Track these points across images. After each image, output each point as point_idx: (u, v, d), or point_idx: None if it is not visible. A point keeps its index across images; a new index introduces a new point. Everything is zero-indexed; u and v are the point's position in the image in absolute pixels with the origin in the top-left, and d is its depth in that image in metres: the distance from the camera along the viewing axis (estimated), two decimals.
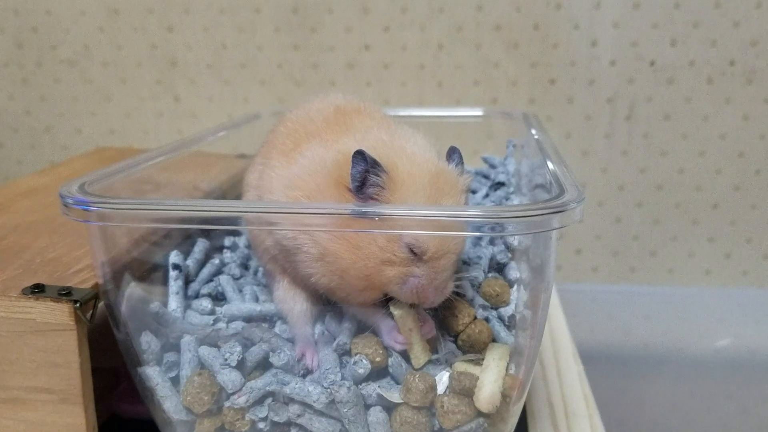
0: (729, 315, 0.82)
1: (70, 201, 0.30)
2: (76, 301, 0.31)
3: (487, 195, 0.51)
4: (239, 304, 0.37)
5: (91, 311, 0.32)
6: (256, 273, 0.43)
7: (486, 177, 0.55)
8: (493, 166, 0.57)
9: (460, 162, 0.35)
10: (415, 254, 0.31)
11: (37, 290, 0.31)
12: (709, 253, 0.80)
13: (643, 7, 0.73)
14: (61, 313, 0.31)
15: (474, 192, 0.52)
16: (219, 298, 0.39)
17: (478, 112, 0.59)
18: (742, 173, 0.77)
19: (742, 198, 0.78)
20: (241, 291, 0.40)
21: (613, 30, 0.74)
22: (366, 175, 0.31)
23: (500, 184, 0.51)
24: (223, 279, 0.40)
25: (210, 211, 0.30)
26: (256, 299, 0.39)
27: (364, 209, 0.29)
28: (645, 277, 0.81)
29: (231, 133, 0.52)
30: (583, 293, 0.82)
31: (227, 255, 0.44)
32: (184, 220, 0.30)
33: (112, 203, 0.30)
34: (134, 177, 0.37)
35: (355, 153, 0.31)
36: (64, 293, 0.31)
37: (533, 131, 0.47)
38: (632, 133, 0.77)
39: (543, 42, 0.75)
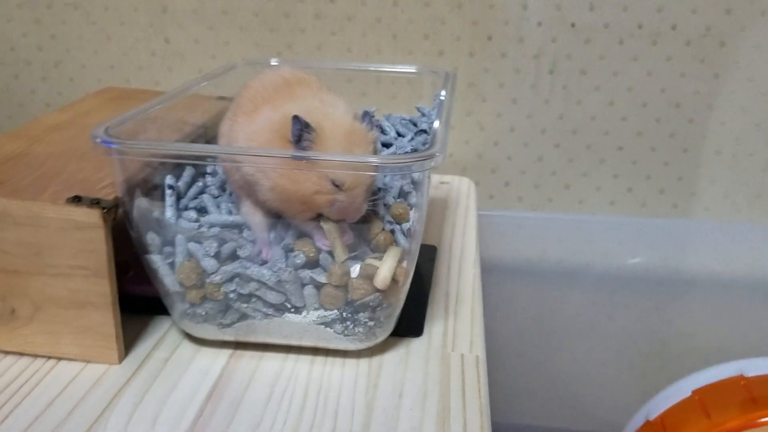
0: (629, 239, 0.98)
1: (98, 140, 0.45)
2: (103, 208, 0.46)
3: (412, 139, 0.66)
4: (217, 216, 0.52)
5: (113, 215, 0.47)
6: (231, 194, 0.57)
7: (414, 124, 0.69)
8: (422, 114, 0.72)
9: (370, 122, 0.50)
10: (337, 186, 0.46)
11: (77, 200, 0.46)
12: (613, 187, 0.95)
13: None
14: (93, 216, 0.46)
15: (402, 136, 0.67)
16: (202, 211, 0.54)
17: (413, 69, 0.73)
18: (645, 121, 0.92)
19: (643, 141, 0.93)
20: (219, 207, 0.54)
21: None
22: (301, 133, 0.46)
23: (422, 131, 0.66)
24: (206, 197, 0.55)
25: (196, 152, 0.45)
26: (230, 213, 0.54)
27: (301, 155, 0.44)
28: (560, 206, 0.97)
29: (212, 81, 0.66)
30: (509, 219, 0.98)
31: (209, 179, 0.58)
32: (177, 157, 0.46)
33: (128, 144, 0.45)
34: (141, 118, 0.51)
35: (293, 116, 0.46)
36: (96, 202, 0.46)
37: (442, 92, 0.61)
38: (554, 84, 0.91)
39: (482, 3, 0.88)
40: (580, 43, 0.88)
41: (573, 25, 0.88)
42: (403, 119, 0.72)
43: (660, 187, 0.95)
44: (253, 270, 0.48)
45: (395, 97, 0.86)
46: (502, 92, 0.92)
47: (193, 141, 0.61)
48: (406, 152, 0.63)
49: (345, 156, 0.45)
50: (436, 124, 0.51)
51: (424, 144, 0.64)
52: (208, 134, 0.64)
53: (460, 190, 0.86)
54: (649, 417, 0.71)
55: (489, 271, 0.66)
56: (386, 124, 0.68)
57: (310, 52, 0.92)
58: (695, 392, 0.69)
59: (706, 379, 0.70)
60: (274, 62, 0.73)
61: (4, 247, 0.47)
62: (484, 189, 0.96)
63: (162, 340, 0.53)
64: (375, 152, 0.50)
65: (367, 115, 0.49)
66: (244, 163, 0.47)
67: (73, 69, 0.95)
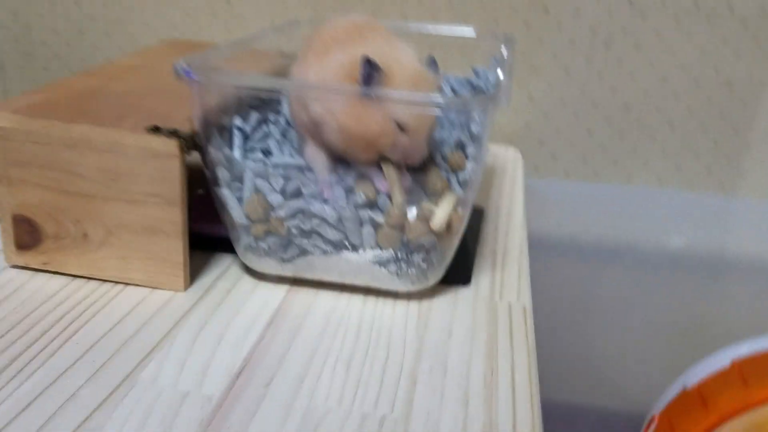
0: (674, 217, 0.98)
1: (181, 71, 0.47)
2: (181, 138, 0.48)
3: None
4: (281, 158, 0.55)
5: (189, 146, 0.49)
6: (292, 141, 0.60)
7: (471, 84, 0.71)
8: (477, 74, 0.73)
9: (435, 68, 0.51)
10: (401, 128, 0.48)
11: (156, 129, 0.49)
12: (661, 163, 0.95)
13: None
14: (171, 146, 0.48)
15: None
16: (267, 153, 0.57)
17: (471, 32, 0.74)
18: (696, 99, 0.91)
19: (694, 119, 0.92)
20: (282, 151, 0.57)
21: None
22: (370, 73, 0.48)
23: (480, 92, 0.67)
24: (270, 141, 0.57)
25: (271, 84, 0.48)
26: (291, 156, 0.57)
27: (368, 91, 0.46)
28: (607, 181, 0.97)
29: (278, 33, 0.68)
30: (554, 192, 0.99)
31: (272, 127, 0.61)
32: (253, 88, 0.48)
33: (208, 74, 0.47)
34: (217, 58, 0.54)
35: (363, 58, 0.47)
36: (173, 133, 0.48)
37: (503, 50, 0.62)
38: (608, 58, 0.91)
39: None
40: (637, 18, 0.88)
41: (630, 1, 0.88)
42: (459, 79, 0.73)
43: (708, 166, 0.94)
44: (316, 206, 0.50)
45: (451, 59, 0.87)
46: (555, 63, 0.92)
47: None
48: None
49: (412, 95, 0.47)
50: (499, 72, 0.52)
51: None
52: None
53: (506, 159, 0.88)
54: (686, 386, 0.72)
55: (528, 243, 0.67)
56: (443, 86, 0.70)
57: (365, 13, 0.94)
58: (735, 362, 0.69)
59: (747, 350, 0.70)
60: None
61: (82, 172, 0.50)
62: (529, 160, 0.97)
63: (224, 274, 0.56)
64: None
65: (433, 62, 0.51)
66: (313, 103, 0.49)
67: (135, 28, 0.99)
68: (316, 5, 0.94)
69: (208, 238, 0.58)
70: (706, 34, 0.88)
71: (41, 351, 0.44)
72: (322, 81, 0.50)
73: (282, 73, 0.69)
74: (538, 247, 0.97)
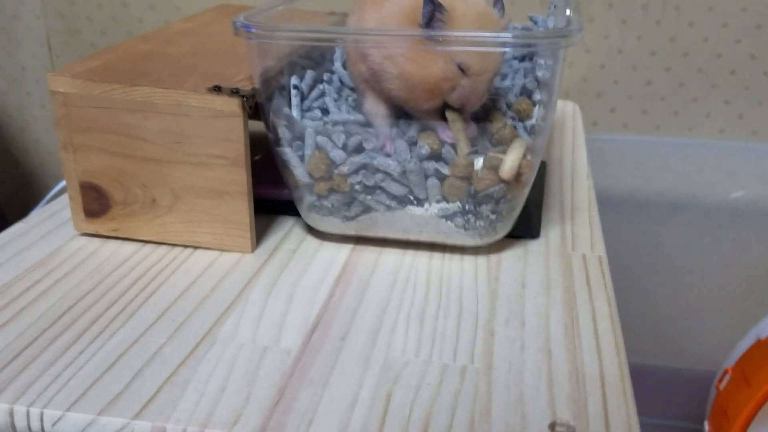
0: (739, 168, 0.94)
1: (239, 25, 0.47)
2: (242, 96, 0.48)
3: None
4: (339, 114, 0.54)
5: (251, 104, 0.49)
6: (347, 99, 0.59)
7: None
8: (535, 23, 0.70)
9: (502, 8, 0.49)
10: (463, 71, 0.47)
11: (217, 89, 0.48)
12: (724, 113, 0.92)
13: None
14: (233, 104, 0.48)
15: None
16: (324, 112, 0.56)
17: None
18: (759, 44, 0.87)
19: (757, 66, 0.88)
20: (339, 108, 0.56)
21: None
22: (433, 13, 0.46)
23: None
24: (327, 99, 0.56)
25: (332, 33, 0.47)
26: (349, 113, 0.56)
27: (429, 33, 0.45)
28: (668, 133, 0.94)
29: None
30: (614, 145, 0.96)
31: (326, 86, 0.60)
32: (313, 39, 0.47)
33: (267, 27, 0.47)
34: (272, 14, 0.53)
35: None
36: (235, 91, 0.48)
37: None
38: (666, 5, 0.87)
39: None
40: None
41: None
42: (516, 27, 0.71)
43: None
44: (380, 161, 0.49)
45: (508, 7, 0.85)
46: (611, 12, 0.89)
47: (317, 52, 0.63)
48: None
49: (476, 34, 0.45)
50: (567, 9, 0.50)
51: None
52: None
53: (564, 113, 0.85)
54: (761, 336, 0.70)
55: None
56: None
57: None
58: None
59: None
60: None
61: (146, 136, 0.50)
62: (588, 114, 0.94)
63: (288, 235, 0.56)
64: None
65: (499, 2, 0.49)
66: (372, 51, 0.47)
67: None
68: None
69: (269, 201, 0.58)
70: None
71: (121, 312, 0.44)
72: (382, 24, 0.49)
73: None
74: (598, 202, 0.95)
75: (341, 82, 0.62)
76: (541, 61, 0.57)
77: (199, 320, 0.43)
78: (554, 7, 0.70)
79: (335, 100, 0.57)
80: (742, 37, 0.87)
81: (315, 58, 0.63)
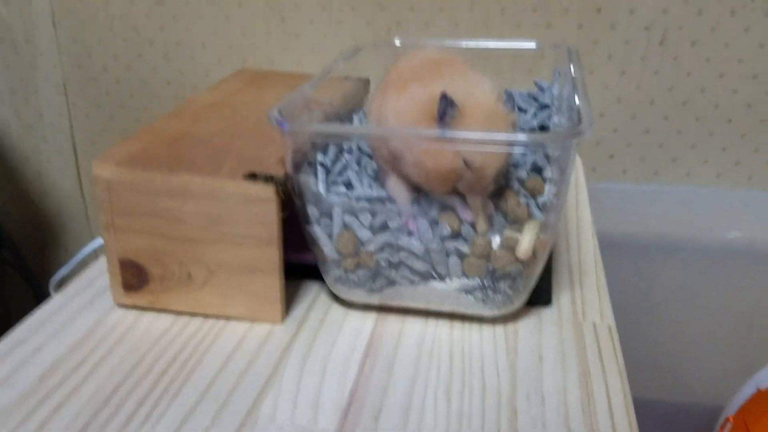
0: (735, 211, 0.98)
1: (274, 120, 0.50)
2: (276, 183, 0.51)
3: (535, 114, 0.68)
4: (363, 190, 0.57)
5: (283, 189, 0.52)
6: (366, 168, 0.62)
7: (535, 99, 0.72)
8: (541, 89, 0.74)
9: (511, 103, 0.53)
10: (467, 164, 0.50)
11: (253, 176, 0.51)
12: (721, 160, 0.95)
13: None
14: (268, 191, 0.51)
15: (524, 111, 0.69)
16: (348, 185, 0.59)
17: (533, 45, 0.75)
18: (755, 93, 0.91)
19: (753, 114, 0.92)
20: (361, 181, 0.59)
21: None
22: (446, 110, 0.50)
23: (545, 107, 0.69)
24: (350, 173, 0.59)
25: (359, 130, 0.50)
26: (370, 186, 0.59)
27: (440, 133, 0.48)
28: (666, 179, 0.98)
29: (345, 63, 0.70)
30: (613, 191, 0.99)
31: (347, 156, 0.63)
32: (343, 137, 0.50)
33: (298, 125, 0.50)
34: (298, 101, 0.56)
35: (442, 94, 0.49)
36: (270, 178, 0.51)
37: (571, 68, 0.63)
38: (664, 56, 0.91)
39: None
40: (692, 14, 0.88)
41: None
42: (522, 94, 0.74)
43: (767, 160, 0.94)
44: (404, 240, 0.53)
45: (512, 72, 0.88)
46: (610, 64, 0.93)
47: (336, 118, 0.66)
48: (533, 128, 0.66)
49: (474, 134, 0.48)
50: (576, 99, 0.54)
51: (544, 120, 0.67)
52: (341, 112, 0.69)
53: None
54: (761, 386, 0.73)
55: None
56: (503, 92, 0.71)
57: (418, 28, 0.95)
58: None
59: None
60: (396, 42, 0.76)
61: (184, 218, 0.53)
62: (587, 161, 0.97)
63: (314, 303, 0.59)
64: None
65: (509, 97, 0.52)
66: (394, 139, 0.51)
67: (193, 48, 1.01)
68: (369, 21, 0.95)
69: (294, 265, 0.61)
70: (763, 27, 0.87)
71: (165, 392, 0.47)
72: (400, 115, 0.52)
73: (350, 96, 0.72)
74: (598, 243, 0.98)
75: (360, 150, 0.65)
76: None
77: (239, 399, 0.47)
78: (558, 74, 0.74)
79: (357, 173, 0.60)
80: (739, 87, 0.91)
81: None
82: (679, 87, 0.92)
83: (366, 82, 0.79)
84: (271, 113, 0.50)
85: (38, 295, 1.18)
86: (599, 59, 0.93)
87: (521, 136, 0.48)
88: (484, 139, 0.48)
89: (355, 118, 0.73)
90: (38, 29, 1.04)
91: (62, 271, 0.72)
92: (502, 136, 0.48)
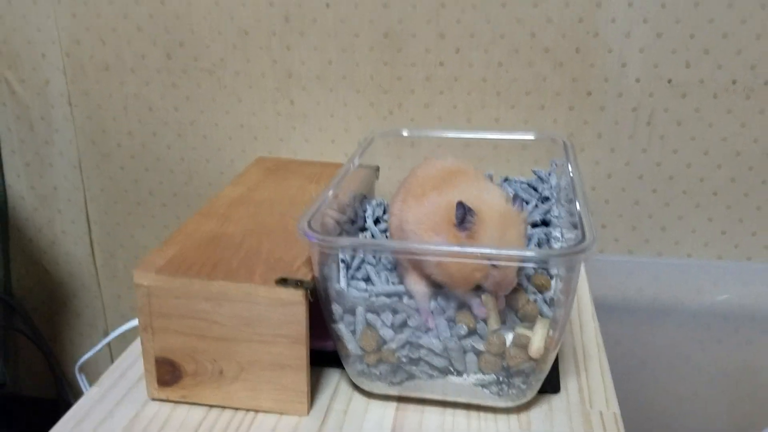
0: (723, 276, 1.03)
1: (304, 235, 0.54)
2: (306, 289, 0.55)
3: (536, 206, 0.73)
4: (382, 286, 0.61)
5: (312, 294, 0.56)
6: (380, 259, 0.66)
7: (535, 189, 0.77)
8: (540, 179, 0.79)
9: (521, 204, 0.58)
10: (493, 266, 0.55)
11: (283, 282, 0.56)
12: (708, 229, 1.01)
13: (664, 36, 0.92)
14: (297, 295, 0.55)
15: (527, 202, 0.74)
16: (366, 279, 0.63)
17: (531, 136, 0.81)
18: (739, 168, 0.97)
19: (737, 188, 0.98)
20: (379, 275, 0.64)
21: (639, 54, 0.93)
22: (464, 216, 0.54)
23: (546, 199, 0.74)
24: (368, 267, 0.64)
25: (391, 246, 0.55)
26: (387, 281, 0.63)
27: (466, 249, 0.52)
28: (656, 247, 1.03)
29: (361, 156, 0.75)
30: (606, 260, 1.04)
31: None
32: (373, 250, 0.55)
33: (324, 239, 0.54)
34: (321, 209, 0.61)
35: (457, 202, 0.54)
36: (299, 283, 0.55)
37: (569, 168, 0.69)
38: (651, 135, 0.97)
39: (582, 62, 0.95)
40: (677, 97, 0.94)
41: (669, 81, 0.94)
42: (523, 183, 0.79)
43: (752, 231, 1.00)
44: (424, 339, 0.57)
45: (512, 159, 0.94)
46: (601, 142, 0.99)
47: (352, 211, 0.71)
48: (536, 223, 0.71)
49: (499, 249, 0.53)
50: (578, 206, 0.59)
51: (546, 213, 0.72)
52: (355, 201, 0.74)
53: None
54: None
55: None
56: (509, 190, 0.76)
57: (418, 110, 1.01)
58: None
59: None
60: (405, 133, 0.82)
61: (219, 320, 0.57)
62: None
63: (336, 391, 0.63)
64: (526, 231, 0.58)
65: (517, 198, 0.57)
66: (415, 240, 0.56)
67: (206, 127, 1.06)
68: (373, 103, 1.01)
69: (315, 351, 0.65)
70: (744, 108, 0.94)
71: None
72: (422, 222, 0.57)
73: (363, 182, 0.77)
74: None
75: (373, 237, 0.70)
76: (557, 234, 0.66)
77: None
78: (555, 164, 0.79)
79: (374, 266, 0.64)
80: (723, 162, 0.97)
81: (352, 221, 0.71)
82: (666, 163, 0.98)
83: (376, 169, 0.84)
84: (301, 226, 0.55)
85: (49, 360, 1.21)
86: (590, 137, 0.98)
87: (532, 253, 0.53)
88: (501, 255, 0.53)
89: (368, 207, 0.77)
90: (54, 108, 1.09)
91: (87, 356, 0.76)
92: (517, 252, 0.53)
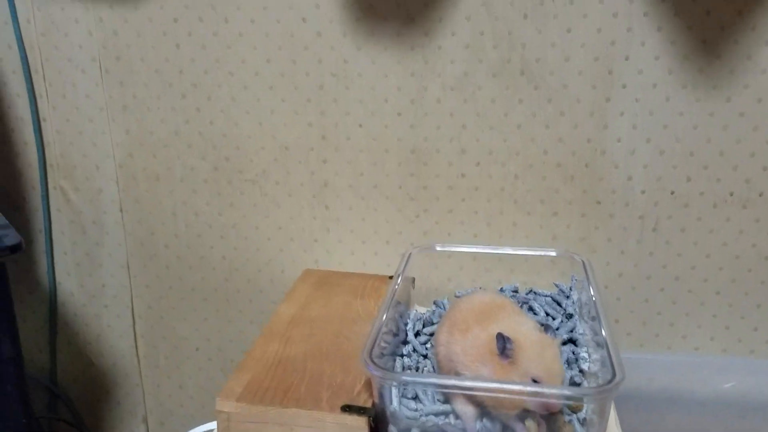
0: (728, 366, 1.11)
1: (365, 367, 0.62)
2: (369, 416, 0.63)
3: (561, 322, 0.82)
4: (431, 406, 0.69)
5: (374, 420, 0.64)
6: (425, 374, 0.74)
7: (558, 304, 0.86)
8: (562, 291, 0.88)
9: (551, 331, 0.66)
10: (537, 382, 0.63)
11: (348, 409, 0.64)
12: (713, 325, 1.09)
13: (665, 154, 1.02)
14: (361, 422, 0.63)
15: (552, 318, 0.83)
16: (414, 398, 0.71)
17: (553, 253, 0.90)
18: (738, 270, 1.06)
19: (738, 287, 1.07)
20: (426, 393, 0.72)
21: (643, 169, 1.03)
22: (504, 345, 0.63)
23: (570, 315, 0.83)
24: (417, 387, 0.72)
25: (447, 383, 0.63)
26: (434, 399, 0.71)
27: (516, 386, 0.61)
28: (665, 341, 1.11)
29: (401, 273, 0.84)
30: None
31: (406, 359, 0.75)
32: (427, 385, 0.63)
33: (386, 374, 0.63)
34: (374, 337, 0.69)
35: (498, 334, 0.63)
36: (362, 411, 0.63)
37: (591, 291, 0.78)
38: (657, 240, 1.07)
39: (592, 176, 1.05)
40: (680, 207, 1.04)
41: (672, 192, 1.04)
42: (547, 296, 0.88)
43: (754, 326, 1.08)
44: None
45: (532, 272, 1.03)
46: (611, 245, 1.08)
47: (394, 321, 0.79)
48: (564, 341, 0.79)
49: (538, 387, 0.61)
50: (605, 335, 0.67)
51: (572, 330, 0.80)
52: (396, 314, 0.82)
53: None
54: None
55: None
56: (536, 305, 0.85)
57: (441, 215, 1.10)
58: None
59: None
60: (438, 247, 0.91)
61: None
62: None
63: None
64: (560, 352, 0.66)
65: (549, 328, 0.66)
66: (463, 369, 0.64)
67: (247, 230, 1.16)
68: (400, 209, 1.10)
69: None
70: (741, 216, 1.03)
71: None
72: (467, 353, 0.66)
73: (400, 294, 0.85)
74: None
75: (414, 350, 0.78)
76: (584, 354, 0.75)
77: None
78: (575, 280, 0.88)
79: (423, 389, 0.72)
80: (724, 265, 1.06)
81: (394, 333, 0.79)
82: (672, 265, 1.07)
83: (412, 280, 0.93)
84: (363, 358, 0.63)
85: None
86: (601, 241, 1.08)
87: (570, 392, 0.61)
88: (544, 392, 0.61)
89: (409, 321, 0.86)
90: (106, 214, 1.18)
91: None
92: (557, 391, 0.62)
